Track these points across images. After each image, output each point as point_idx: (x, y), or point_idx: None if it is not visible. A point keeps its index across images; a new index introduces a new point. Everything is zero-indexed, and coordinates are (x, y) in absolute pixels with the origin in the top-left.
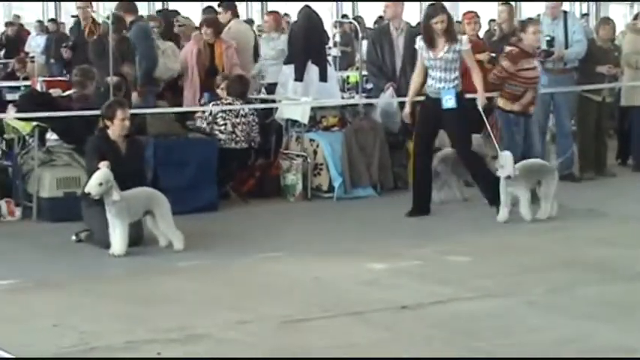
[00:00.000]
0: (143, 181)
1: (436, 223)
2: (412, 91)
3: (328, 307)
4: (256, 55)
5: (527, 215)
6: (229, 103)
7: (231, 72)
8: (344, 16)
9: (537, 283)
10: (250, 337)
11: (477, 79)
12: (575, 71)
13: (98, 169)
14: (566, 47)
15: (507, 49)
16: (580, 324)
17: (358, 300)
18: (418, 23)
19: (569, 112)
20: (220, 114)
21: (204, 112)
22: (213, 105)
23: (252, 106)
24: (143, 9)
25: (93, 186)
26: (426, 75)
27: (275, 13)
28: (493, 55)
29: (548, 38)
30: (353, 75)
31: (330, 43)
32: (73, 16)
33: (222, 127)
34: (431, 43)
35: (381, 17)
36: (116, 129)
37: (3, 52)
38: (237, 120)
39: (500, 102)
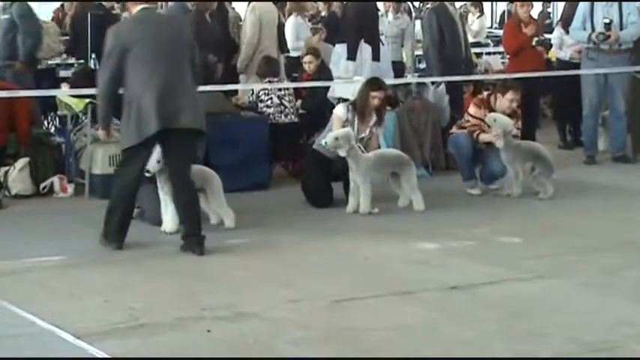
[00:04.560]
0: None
1: (486, 203)
2: None
3: (378, 286)
4: (280, 34)
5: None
6: (269, 81)
7: None
8: None
9: (590, 264)
10: (300, 317)
11: None
12: (629, 52)
13: None
14: (621, 29)
15: (482, 95)
16: (634, 306)
17: (409, 280)
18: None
19: (622, 93)
20: (262, 90)
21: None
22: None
23: (298, 84)
24: None
25: (153, 163)
26: None
27: None
28: (543, 38)
29: (606, 21)
30: (405, 55)
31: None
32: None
33: (269, 102)
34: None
35: None
36: None
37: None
38: (281, 92)
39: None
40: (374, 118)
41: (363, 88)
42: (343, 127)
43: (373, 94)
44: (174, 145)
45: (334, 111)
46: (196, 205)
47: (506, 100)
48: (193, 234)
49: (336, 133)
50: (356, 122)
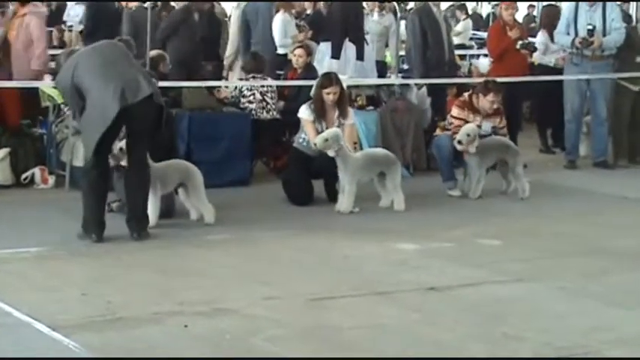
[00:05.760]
0: (173, 153)
1: (466, 205)
2: None
3: (356, 285)
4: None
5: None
6: (253, 77)
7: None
8: None
9: (569, 268)
10: (277, 314)
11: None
12: (612, 59)
13: None
14: (604, 34)
15: (463, 97)
16: (610, 312)
17: (387, 280)
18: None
19: (605, 99)
20: (245, 86)
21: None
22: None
23: (280, 82)
24: None
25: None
26: None
27: None
28: (528, 41)
29: (590, 27)
30: (389, 55)
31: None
32: None
33: (251, 97)
34: (321, 114)
35: None
36: None
37: None
38: (264, 89)
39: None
40: (336, 112)
41: (315, 88)
42: (315, 127)
43: (326, 91)
44: (135, 125)
45: (299, 115)
46: (146, 187)
47: (487, 102)
48: (136, 217)
49: (325, 134)
50: (323, 122)
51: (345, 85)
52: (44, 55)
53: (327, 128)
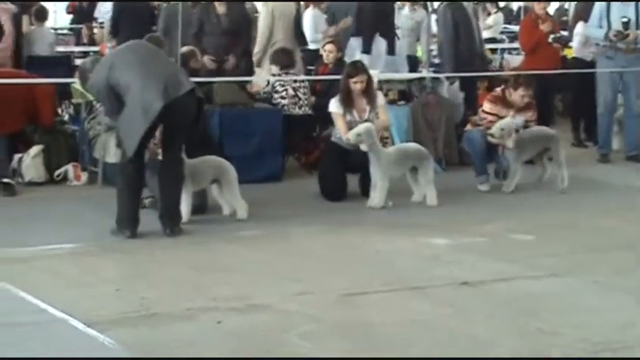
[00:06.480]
0: (208, 149)
1: (499, 200)
2: None
3: (389, 281)
4: (298, 27)
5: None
6: (286, 73)
7: None
8: None
9: (603, 263)
10: (310, 310)
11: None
12: None
13: None
14: (637, 27)
15: (495, 91)
16: None
17: (419, 275)
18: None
19: (637, 92)
20: (278, 81)
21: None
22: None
23: (312, 77)
24: None
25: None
26: None
27: None
28: (560, 34)
29: (625, 20)
30: (420, 50)
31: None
32: None
33: (284, 93)
34: (350, 104)
35: None
36: None
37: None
38: (297, 84)
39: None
40: (365, 100)
41: (342, 78)
42: (346, 120)
43: (353, 80)
44: (176, 120)
45: (329, 109)
46: (180, 184)
47: (517, 96)
48: (169, 213)
49: (358, 130)
50: (353, 111)
51: (375, 80)
52: (6, 50)
53: (357, 117)
